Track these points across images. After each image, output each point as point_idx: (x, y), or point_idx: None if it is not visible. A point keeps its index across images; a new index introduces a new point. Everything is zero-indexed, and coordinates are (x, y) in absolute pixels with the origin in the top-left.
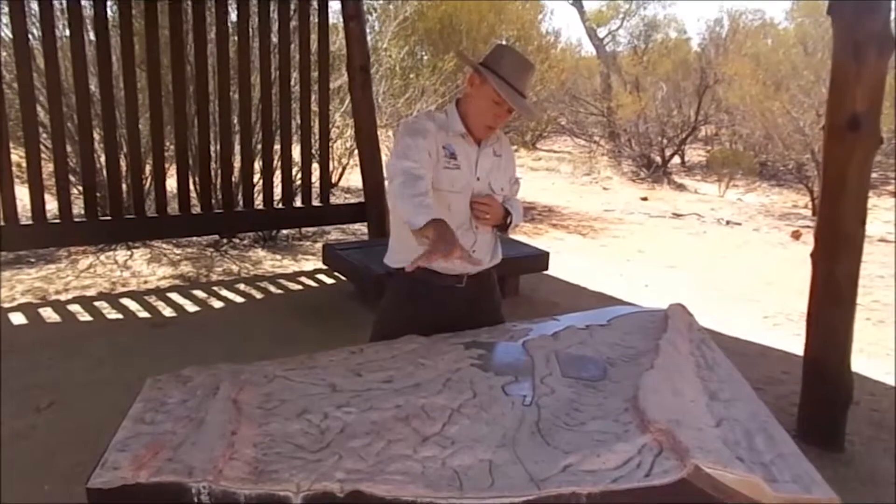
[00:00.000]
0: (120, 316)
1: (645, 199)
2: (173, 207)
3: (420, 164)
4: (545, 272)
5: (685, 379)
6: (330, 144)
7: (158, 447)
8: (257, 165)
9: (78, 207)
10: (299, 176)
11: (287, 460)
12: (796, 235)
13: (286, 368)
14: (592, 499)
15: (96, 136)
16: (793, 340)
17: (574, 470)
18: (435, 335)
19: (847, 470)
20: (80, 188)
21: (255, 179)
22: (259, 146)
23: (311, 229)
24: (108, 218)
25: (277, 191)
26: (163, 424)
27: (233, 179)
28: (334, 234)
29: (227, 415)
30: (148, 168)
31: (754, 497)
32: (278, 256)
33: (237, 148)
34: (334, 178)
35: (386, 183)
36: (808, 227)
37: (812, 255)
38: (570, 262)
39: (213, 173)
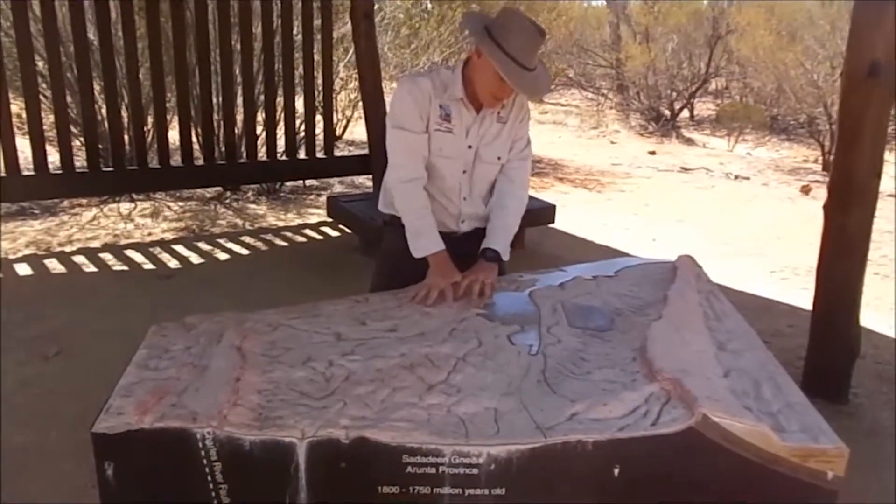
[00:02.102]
0: (125, 267)
1: (653, 153)
2: (176, 160)
3: (416, 147)
4: (551, 226)
5: (693, 329)
6: (333, 95)
7: (162, 393)
8: (260, 117)
9: (80, 160)
10: (303, 128)
11: (292, 407)
12: (806, 190)
13: (290, 317)
14: (599, 447)
15: (96, 87)
16: (800, 294)
17: (580, 418)
18: None
19: (851, 422)
20: (82, 139)
21: (258, 131)
22: (261, 97)
23: (314, 182)
24: (111, 169)
25: (281, 143)
26: (167, 371)
27: (235, 131)
28: (338, 186)
29: (231, 361)
30: (149, 119)
31: (762, 446)
32: (282, 209)
33: (239, 99)
34: (339, 131)
35: (388, 153)
36: (818, 182)
37: (824, 206)
38: (575, 215)
39: (215, 125)
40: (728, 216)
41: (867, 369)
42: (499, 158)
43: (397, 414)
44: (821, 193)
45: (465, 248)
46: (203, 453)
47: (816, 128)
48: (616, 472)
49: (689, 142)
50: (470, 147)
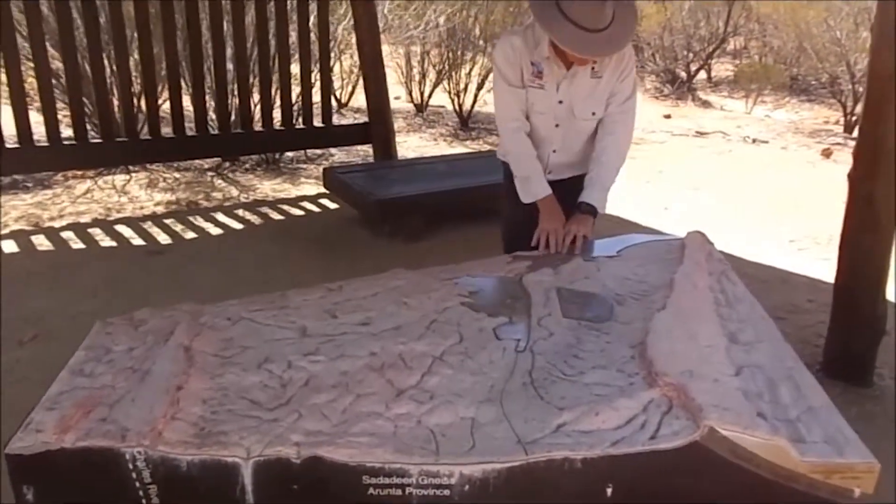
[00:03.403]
0: (114, 244)
1: (668, 116)
2: (167, 131)
3: (516, 100)
4: None
5: (702, 318)
6: (332, 60)
7: (91, 405)
8: (256, 85)
9: (69, 131)
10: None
11: (239, 419)
12: (827, 154)
13: (253, 309)
14: (588, 464)
15: (81, 56)
16: (820, 266)
17: (568, 430)
18: (426, 269)
19: (874, 406)
20: (70, 110)
21: (254, 99)
22: (256, 64)
23: (315, 152)
24: (99, 141)
25: (278, 113)
26: (102, 377)
27: (230, 100)
28: (339, 155)
29: (175, 365)
30: (138, 88)
31: (778, 462)
32: (280, 180)
33: (233, 66)
34: (344, 98)
35: (493, 109)
36: (840, 144)
37: (849, 175)
38: None
39: (208, 94)
40: (745, 182)
41: (893, 348)
42: (593, 114)
43: (359, 426)
44: (842, 157)
45: (563, 193)
46: (135, 475)
47: (838, 87)
48: (609, 492)
49: (706, 104)
50: (561, 102)
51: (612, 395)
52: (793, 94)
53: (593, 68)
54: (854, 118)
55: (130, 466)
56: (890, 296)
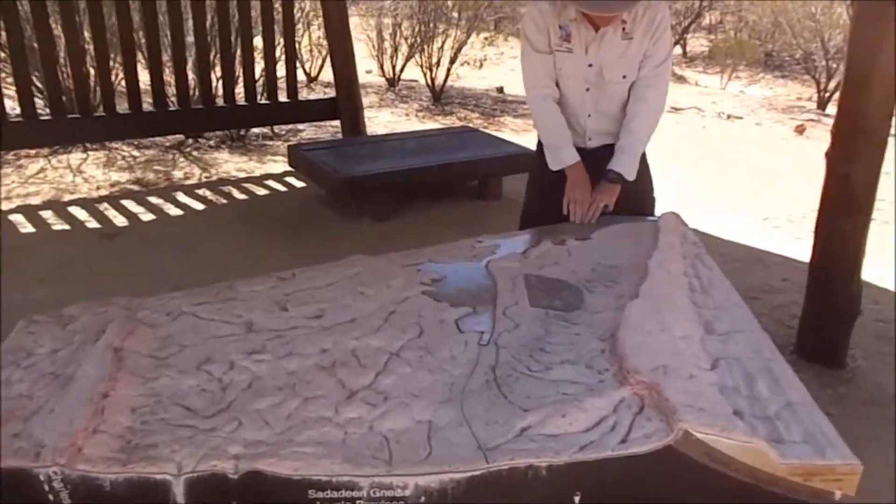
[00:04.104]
0: (66, 226)
1: (587, 89)
2: (124, 107)
3: (544, 66)
4: None
5: (676, 307)
6: (298, 33)
7: (5, 418)
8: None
9: (16, 107)
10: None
11: (171, 430)
12: (800, 130)
13: (196, 302)
14: (555, 472)
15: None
16: (794, 244)
17: (533, 434)
18: (387, 255)
19: (848, 388)
20: (15, 85)
21: (217, 74)
22: (217, 37)
23: (283, 128)
24: (49, 118)
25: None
26: (18, 385)
27: (188, 74)
28: (308, 131)
29: (101, 369)
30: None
31: (757, 465)
32: (245, 158)
33: (192, 39)
34: (313, 71)
35: (522, 76)
36: (813, 120)
37: (827, 154)
38: None
39: (166, 68)
40: (720, 159)
41: (866, 327)
42: (624, 77)
43: (305, 434)
44: (816, 133)
45: (595, 163)
46: (52, 498)
47: (812, 64)
48: (576, 500)
49: (681, 80)
50: (591, 66)
51: (581, 394)
52: (767, 69)
53: (624, 29)
54: (827, 94)
55: (46, 488)
56: (863, 276)
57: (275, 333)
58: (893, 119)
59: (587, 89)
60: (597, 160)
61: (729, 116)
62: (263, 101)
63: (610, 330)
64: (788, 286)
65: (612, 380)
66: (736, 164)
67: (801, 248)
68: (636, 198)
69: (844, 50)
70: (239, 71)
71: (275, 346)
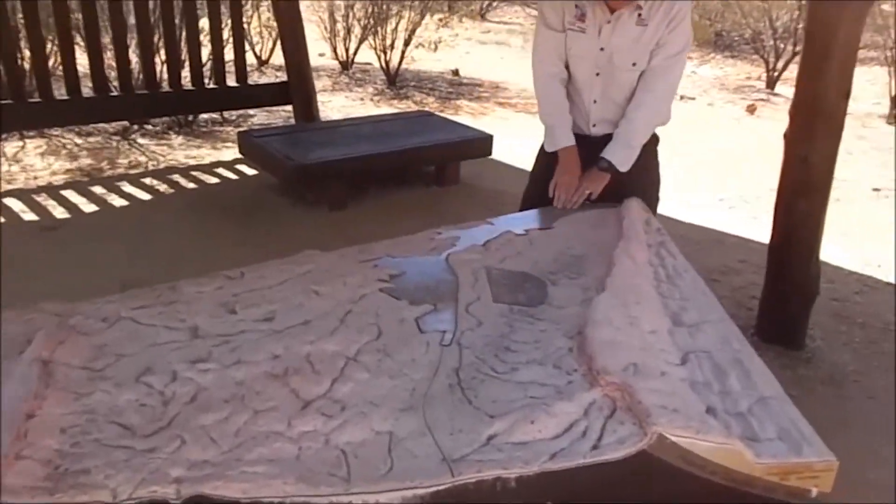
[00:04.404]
0: (1, 219)
1: (597, 74)
2: (62, 92)
3: (555, 45)
4: (489, 157)
5: (643, 299)
6: (247, 14)
7: None
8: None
9: None
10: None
11: (106, 452)
12: (751, 109)
13: (135, 306)
14: (524, 483)
15: None
16: (750, 224)
17: (500, 443)
18: (342, 250)
19: (807, 369)
20: None
21: (162, 58)
22: (160, 19)
23: (233, 113)
24: None
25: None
26: None
27: (129, 56)
28: (260, 117)
29: (26, 386)
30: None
31: (733, 466)
32: (194, 145)
33: (133, 19)
34: (264, 54)
35: (532, 51)
36: (763, 100)
37: (785, 135)
38: (516, 144)
39: (106, 51)
40: (674, 140)
41: (823, 307)
42: (634, 65)
43: (255, 452)
44: (766, 112)
45: (597, 152)
46: None
47: (761, 43)
48: None
49: None
50: (602, 49)
51: (549, 398)
52: (717, 49)
53: (639, 15)
54: (776, 74)
55: None
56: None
57: (221, 339)
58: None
59: (597, 74)
60: (598, 150)
61: (682, 97)
62: (211, 86)
63: (576, 326)
64: (746, 267)
65: (582, 381)
66: (690, 145)
67: (757, 228)
68: (639, 193)
69: (792, 29)
70: (185, 54)
71: (221, 354)
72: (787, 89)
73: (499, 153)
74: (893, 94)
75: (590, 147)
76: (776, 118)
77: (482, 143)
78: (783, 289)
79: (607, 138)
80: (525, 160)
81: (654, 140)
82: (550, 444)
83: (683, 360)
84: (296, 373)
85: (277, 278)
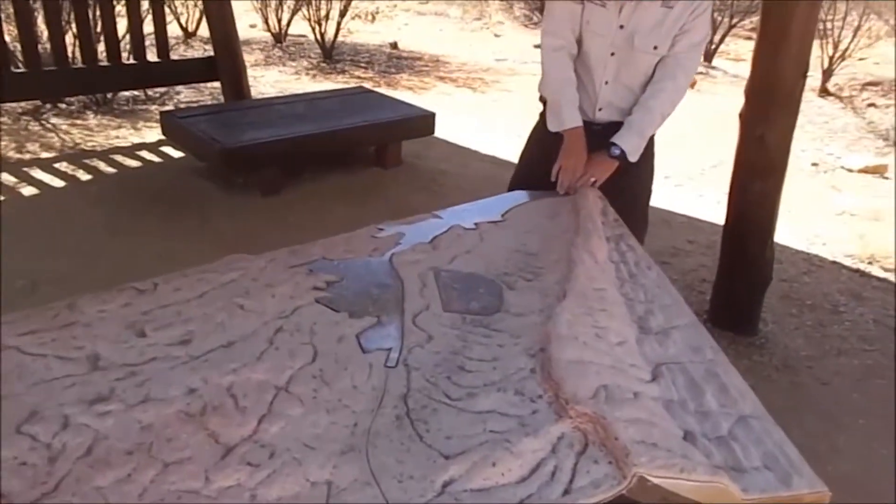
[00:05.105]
0: None
1: (538, 46)
2: None
3: (569, 15)
4: (432, 136)
5: (608, 304)
6: None
7: None
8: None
9: None
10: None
11: None
12: (691, 84)
13: (23, 332)
14: None
15: None
16: (696, 203)
17: (458, 490)
18: (272, 253)
19: (762, 356)
20: None
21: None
22: None
23: (158, 90)
24: None
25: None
26: None
27: (36, 29)
28: (187, 94)
29: None
30: None
31: (718, 502)
32: (114, 125)
33: None
34: (191, 26)
35: (543, 20)
36: (701, 73)
37: (741, 115)
38: (459, 121)
39: (9, 24)
40: None
41: (773, 288)
42: (655, 48)
43: None
44: (705, 86)
45: (598, 142)
46: None
47: None
48: None
49: None
50: (622, 27)
51: (512, 433)
52: None
53: None
54: (714, 47)
55: None
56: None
57: (127, 370)
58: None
59: (612, 53)
60: (600, 139)
61: None
62: (129, 62)
63: (538, 341)
64: (695, 248)
65: (548, 410)
66: None
67: (704, 206)
68: (637, 183)
69: (729, 2)
70: (99, 27)
71: (126, 390)
72: (724, 62)
73: (442, 130)
74: (825, 66)
75: (591, 134)
76: (715, 92)
77: (424, 121)
78: (738, 274)
79: (611, 126)
80: (469, 137)
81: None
82: (516, 490)
83: (655, 375)
84: (215, 411)
85: (195, 290)
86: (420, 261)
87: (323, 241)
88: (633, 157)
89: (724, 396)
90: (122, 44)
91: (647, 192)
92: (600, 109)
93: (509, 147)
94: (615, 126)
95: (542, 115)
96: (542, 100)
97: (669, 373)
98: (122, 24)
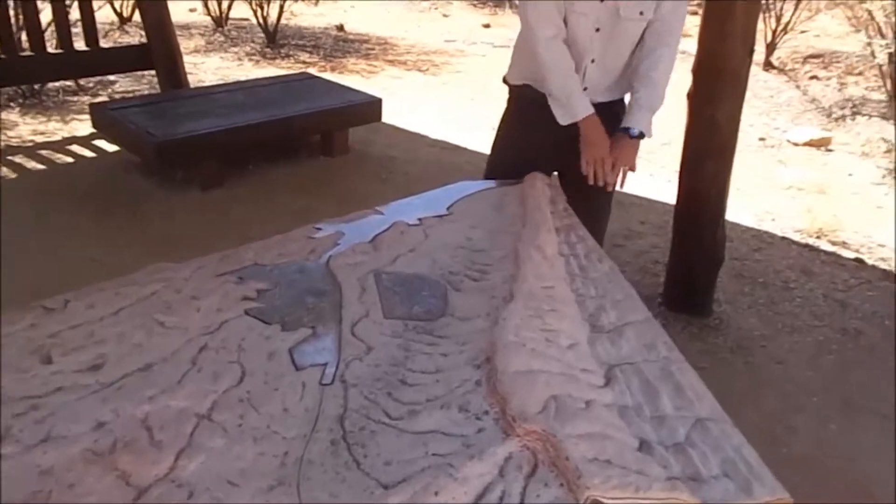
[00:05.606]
0: None
1: (487, 26)
2: None
3: (558, 4)
4: (380, 122)
5: (559, 304)
6: None
7: None
8: None
9: None
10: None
11: None
12: None
13: None
14: None
15: None
16: (646, 182)
17: None
18: (198, 260)
19: (716, 337)
20: None
21: None
22: None
23: (92, 79)
24: None
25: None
26: None
27: None
28: (123, 83)
29: None
30: None
31: None
32: (43, 118)
33: None
34: (126, 11)
35: (525, 13)
36: None
37: (689, 95)
38: (408, 105)
39: None
40: None
41: (726, 268)
42: (641, 14)
43: None
44: None
45: (576, 124)
46: None
47: None
48: None
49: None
50: (604, 0)
51: (456, 455)
52: None
53: None
54: None
55: None
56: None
57: (28, 404)
58: None
59: (597, 29)
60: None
61: None
62: (54, 51)
63: (484, 349)
64: (648, 229)
65: (494, 428)
66: None
67: (656, 185)
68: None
69: None
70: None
71: (25, 428)
72: None
73: (390, 115)
74: (769, 40)
75: (572, 124)
76: None
77: (371, 107)
78: (690, 256)
79: (597, 107)
80: (418, 122)
81: (621, 103)
82: None
83: (608, 379)
84: (127, 447)
85: (112, 306)
86: (360, 263)
87: (255, 245)
88: (650, 135)
89: (679, 398)
90: (46, 31)
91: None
92: (585, 88)
93: (460, 131)
94: (598, 107)
95: (511, 101)
96: (507, 83)
97: (623, 375)
98: (47, 11)
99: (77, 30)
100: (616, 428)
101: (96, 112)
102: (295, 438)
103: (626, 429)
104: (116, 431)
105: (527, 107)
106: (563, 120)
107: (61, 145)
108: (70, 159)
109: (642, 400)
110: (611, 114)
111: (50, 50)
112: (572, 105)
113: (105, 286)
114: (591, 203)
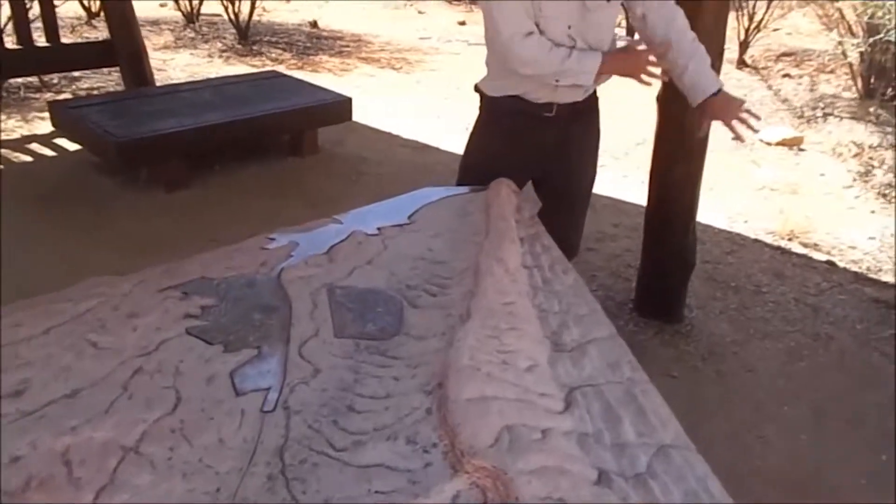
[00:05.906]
0: None
1: (462, 23)
2: None
3: (526, 7)
4: (351, 121)
5: (519, 322)
6: None
7: None
8: None
9: None
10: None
11: None
12: None
13: None
14: None
15: None
16: (619, 183)
17: None
18: (141, 272)
19: (688, 344)
20: None
21: None
22: None
23: (55, 76)
24: None
25: None
26: None
27: None
28: (90, 80)
29: None
30: None
31: None
32: (2, 116)
33: None
34: (94, 6)
35: (492, 22)
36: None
37: (658, 98)
38: (381, 104)
39: None
40: None
41: (697, 271)
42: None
43: None
44: None
45: (558, 131)
46: None
47: None
48: None
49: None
50: None
51: (401, 492)
52: None
53: None
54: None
55: None
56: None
57: None
58: None
59: (569, 27)
60: (554, 127)
61: None
62: (13, 46)
63: (436, 374)
64: (620, 231)
65: (442, 463)
66: None
67: (629, 187)
68: (589, 154)
69: None
70: None
71: None
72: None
73: (363, 115)
74: (742, 38)
75: (544, 123)
76: None
77: (341, 106)
78: (662, 261)
79: (563, 109)
80: (391, 121)
81: (596, 98)
82: None
83: (568, 403)
84: (41, 486)
85: (41, 325)
86: (313, 276)
87: (204, 256)
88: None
89: (642, 423)
90: (6, 27)
91: (594, 175)
92: (557, 80)
93: (432, 131)
94: (567, 110)
95: (489, 111)
96: (483, 93)
97: (584, 399)
98: (5, 6)
99: (38, 25)
100: (573, 460)
101: (56, 110)
102: (229, 473)
103: (585, 459)
104: (32, 468)
105: (507, 117)
106: (588, 81)
107: (20, 144)
108: (30, 158)
109: (603, 426)
110: (585, 114)
111: (9, 45)
112: (584, 66)
113: (37, 301)
114: (574, 209)
